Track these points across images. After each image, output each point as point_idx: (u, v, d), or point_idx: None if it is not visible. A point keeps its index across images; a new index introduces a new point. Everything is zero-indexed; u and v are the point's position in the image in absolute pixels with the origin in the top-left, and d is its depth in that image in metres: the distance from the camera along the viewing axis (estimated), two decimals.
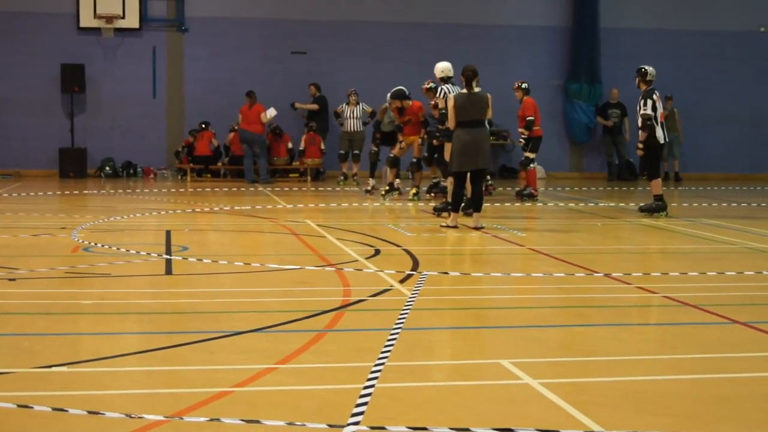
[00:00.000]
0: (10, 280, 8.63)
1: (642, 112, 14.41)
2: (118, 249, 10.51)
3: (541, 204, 16.84)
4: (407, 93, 17.09)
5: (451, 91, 14.15)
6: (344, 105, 21.77)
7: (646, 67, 14.76)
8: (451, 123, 12.88)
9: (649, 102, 14.41)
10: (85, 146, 22.52)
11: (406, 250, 10.65)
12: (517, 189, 18.10)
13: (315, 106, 22.34)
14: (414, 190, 16.96)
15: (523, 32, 24.67)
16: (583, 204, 17.11)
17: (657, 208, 14.57)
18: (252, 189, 19.91)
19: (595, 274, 9.19)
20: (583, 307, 7.94)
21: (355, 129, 21.66)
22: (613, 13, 24.86)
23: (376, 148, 18.50)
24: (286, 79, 23.35)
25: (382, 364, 5.75)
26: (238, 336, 6.55)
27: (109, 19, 22.99)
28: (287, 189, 20.10)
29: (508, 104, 19.36)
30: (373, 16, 24.13)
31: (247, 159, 21.52)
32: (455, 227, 12.67)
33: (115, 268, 9.39)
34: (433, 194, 17.13)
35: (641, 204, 15.14)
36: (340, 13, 23.98)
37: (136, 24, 23.24)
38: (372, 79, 23.40)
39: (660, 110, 14.47)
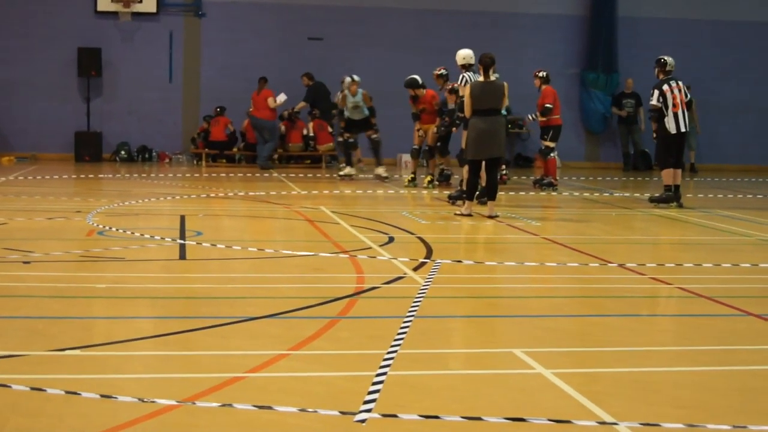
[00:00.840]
0: (25, 263, 8.67)
1: (650, 103, 14.56)
2: (132, 233, 10.52)
3: (555, 194, 16.80)
4: (420, 81, 17.08)
5: (471, 78, 14.10)
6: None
7: (666, 58, 14.77)
8: (467, 111, 12.86)
9: (656, 93, 14.48)
10: (100, 130, 22.55)
11: (420, 238, 10.64)
12: (535, 178, 18.08)
13: (303, 104, 22.04)
14: (428, 178, 16.98)
15: (540, 20, 24.60)
16: (597, 194, 17.06)
17: (667, 198, 14.55)
18: (267, 175, 19.91)
19: (610, 265, 9.17)
20: (597, 298, 7.92)
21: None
22: (630, 2, 24.75)
23: (347, 136, 18.73)
24: (302, 65, 23.28)
25: (395, 351, 5.75)
26: (252, 321, 6.56)
27: (127, 3, 22.99)
28: (302, 175, 20.10)
29: (525, 92, 19.33)
30: (391, 2, 24.08)
31: (258, 145, 21.54)
32: (469, 215, 12.68)
33: (129, 252, 9.42)
34: (437, 183, 17.12)
35: (654, 194, 15.10)
36: None
37: (153, 8, 23.25)
38: (389, 66, 23.39)
39: (673, 99, 14.42)
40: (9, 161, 21.76)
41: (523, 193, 16.85)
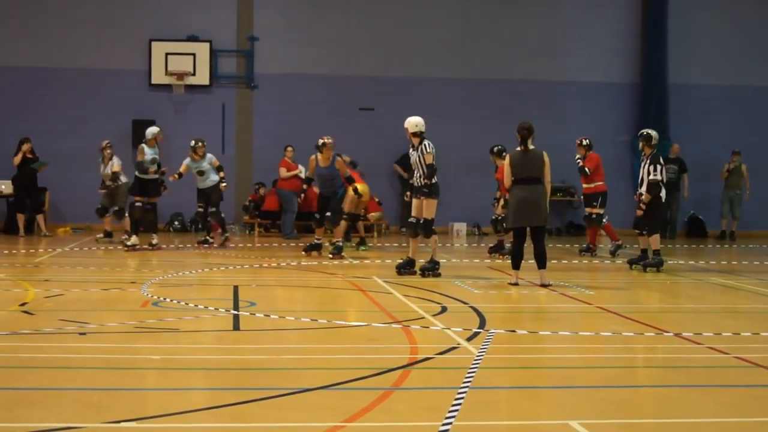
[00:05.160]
0: (81, 334, 8.74)
1: (651, 177, 14.82)
2: (186, 304, 10.60)
3: (608, 261, 16.69)
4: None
5: (429, 146, 13.96)
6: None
7: (651, 132, 15.07)
8: (506, 180, 12.94)
9: (658, 167, 14.85)
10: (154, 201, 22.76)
11: (473, 308, 10.61)
12: (583, 246, 18.02)
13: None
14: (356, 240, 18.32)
15: (588, 88, 24.66)
16: None
17: (659, 262, 14.91)
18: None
19: (665, 334, 9.08)
20: (653, 368, 7.84)
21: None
22: (681, 69, 24.77)
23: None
24: (352, 135, 23.52)
25: (450, 423, 5.71)
26: (305, 393, 6.54)
27: (180, 76, 23.41)
28: (354, 244, 20.09)
29: (573, 160, 19.32)
30: (438, 72, 24.28)
31: (281, 215, 21.67)
32: (516, 284, 12.68)
33: (183, 323, 9.47)
34: (308, 254, 16.91)
35: (647, 260, 15.17)
36: (405, 69, 24.17)
37: (206, 81, 23.65)
38: (439, 135, 23.49)
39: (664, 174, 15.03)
40: (65, 232, 22.06)
41: (575, 261, 16.76)
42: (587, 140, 17.39)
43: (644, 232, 15.15)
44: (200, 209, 18.72)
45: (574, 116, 24.14)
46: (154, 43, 23.44)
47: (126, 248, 17.57)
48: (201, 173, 18.46)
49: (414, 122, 14.05)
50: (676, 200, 23.68)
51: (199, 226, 20.61)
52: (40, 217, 21.48)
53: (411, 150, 14.10)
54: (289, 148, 21.83)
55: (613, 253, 17.37)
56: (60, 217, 22.93)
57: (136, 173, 17.93)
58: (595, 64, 24.80)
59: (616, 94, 24.82)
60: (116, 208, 19.77)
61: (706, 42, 25.07)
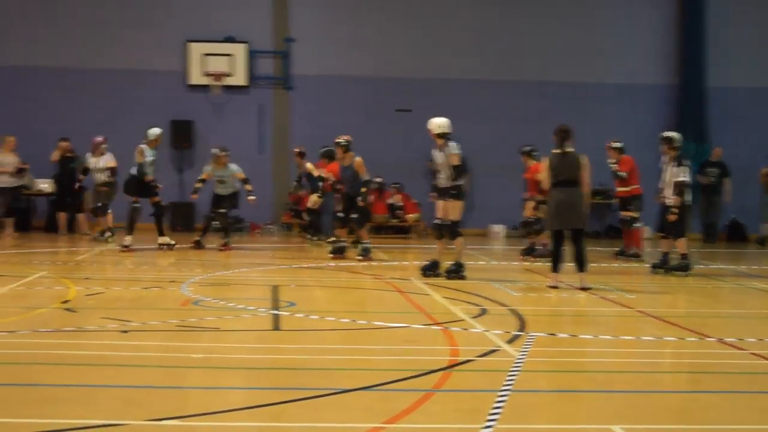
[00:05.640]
0: (123, 332, 8.79)
1: (679, 179, 14.65)
2: (226, 303, 10.64)
3: (647, 265, 16.58)
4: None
5: (456, 146, 13.88)
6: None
7: (672, 134, 14.93)
8: (544, 183, 12.90)
9: (686, 168, 14.74)
10: (193, 201, 22.88)
11: (513, 310, 10.57)
12: (618, 249, 17.93)
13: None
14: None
15: (626, 90, 24.54)
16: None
17: (685, 266, 14.78)
18: (356, 245, 19.95)
19: (708, 339, 9.00)
20: (695, 373, 7.77)
21: None
22: (720, 72, 24.57)
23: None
24: (388, 136, 23.56)
25: (491, 426, 5.69)
26: (345, 394, 6.54)
27: (218, 76, 23.52)
28: (391, 246, 20.15)
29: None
30: (475, 74, 24.25)
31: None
32: (555, 287, 12.62)
33: (223, 322, 9.50)
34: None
35: (660, 263, 15.13)
36: (441, 71, 24.15)
37: (243, 82, 23.74)
38: (475, 136, 23.49)
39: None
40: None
41: (616, 264, 16.66)
42: (618, 143, 17.25)
43: (668, 236, 15.03)
44: (213, 214, 18.41)
45: (610, 118, 24.00)
46: (191, 44, 23.55)
47: (121, 248, 17.17)
48: (221, 182, 18.31)
49: (437, 123, 13.95)
50: (718, 204, 23.47)
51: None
52: (80, 216, 21.63)
53: (435, 151, 14.00)
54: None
55: (625, 256, 17.24)
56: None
57: (133, 173, 17.55)
58: (631, 65, 24.66)
59: (654, 96, 24.67)
60: (99, 204, 19.60)
61: (746, 44, 24.87)
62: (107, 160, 19.57)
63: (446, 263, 13.91)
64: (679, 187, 14.66)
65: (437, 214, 14.08)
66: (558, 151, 12.80)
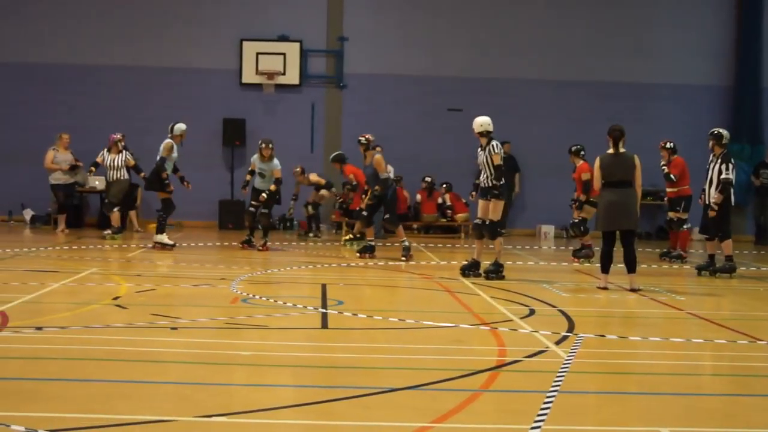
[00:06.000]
0: (173, 329, 8.88)
1: (724, 176, 14.57)
2: (275, 301, 10.70)
3: (692, 267, 16.41)
4: (345, 157, 18.26)
5: (498, 146, 13.83)
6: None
7: (722, 131, 14.76)
8: (596, 183, 12.82)
9: (730, 166, 14.65)
10: (244, 199, 23.01)
11: (561, 311, 10.53)
12: (663, 250, 17.80)
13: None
14: (348, 236, 18.86)
15: (681, 91, 24.31)
16: (744, 268, 16.59)
17: (730, 268, 14.67)
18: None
19: (759, 342, 8.91)
20: (746, 376, 7.70)
21: None
22: None
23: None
24: (440, 136, 23.55)
25: (539, 427, 5.68)
26: (394, 393, 6.56)
27: (271, 75, 23.64)
28: (440, 245, 20.15)
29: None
30: (527, 73, 24.15)
31: None
32: (605, 288, 12.56)
33: (272, 320, 9.56)
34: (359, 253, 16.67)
35: (704, 265, 15.06)
36: (494, 70, 24.08)
37: (296, 80, 23.84)
38: (527, 136, 23.48)
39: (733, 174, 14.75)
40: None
41: (665, 266, 16.53)
42: (671, 143, 17.09)
43: (714, 238, 14.89)
44: (252, 209, 17.97)
45: (664, 119, 23.81)
46: (245, 43, 23.69)
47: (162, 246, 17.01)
48: (261, 175, 17.93)
49: (480, 122, 13.92)
50: None
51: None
52: (132, 213, 21.86)
53: (479, 150, 13.98)
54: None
55: (669, 257, 17.14)
56: (152, 213, 23.24)
57: (154, 167, 17.41)
58: (686, 65, 24.43)
59: (709, 96, 24.41)
60: (107, 200, 19.61)
61: None
62: (125, 158, 19.70)
63: (486, 263, 13.89)
64: (723, 185, 14.52)
65: (478, 213, 14.07)
66: (611, 151, 12.72)
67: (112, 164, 19.66)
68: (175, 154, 17.44)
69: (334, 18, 24.12)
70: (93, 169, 19.79)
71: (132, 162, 19.74)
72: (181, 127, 17.54)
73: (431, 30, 24.14)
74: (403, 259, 16.13)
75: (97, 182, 22.21)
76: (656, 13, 24.59)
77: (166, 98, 23.45)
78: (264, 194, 17.64)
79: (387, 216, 16.56)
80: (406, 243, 16.44)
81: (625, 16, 24.47)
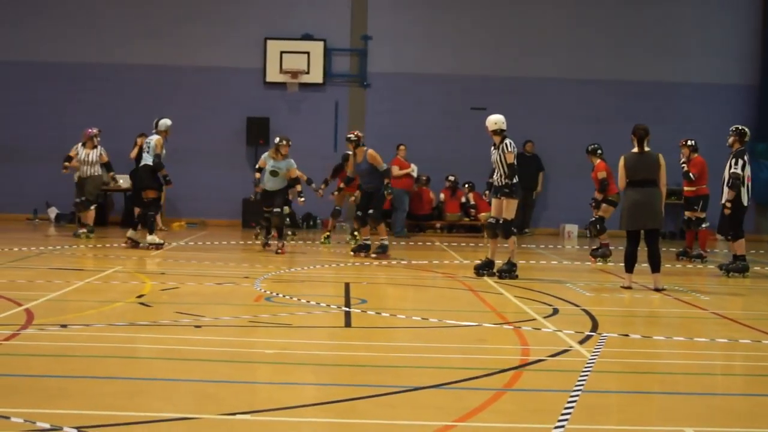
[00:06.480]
0: (196, 327, 8.90)
1: (732, 170, 14.47)
2: (298, 300, 10.72)
3: (711, 266, 16.35)
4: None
5: (511, 144, 13.76)
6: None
7: (744, 128, 14.71)
8: (621, 182, 12.77)
9: (740, 162, 14.50)
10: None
11: (585, 310, 10.51)
12: (680, 249, 17.73)
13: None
14: (326, 234, 19.28)
15: (706, 90, 24.22)
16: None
17: (743, 268, 14.56)
18: (429, 243, 20.02)
19: None
20: None
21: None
22: None
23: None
24: (463, 135, 23.53)
25: (562, 427, 5.67)
26: (417, 391, 6.56)
27: (294, 74, 23.69)
28: (464, 244, 20.14)
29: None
30: (551, 72, 24.13)
31: (392, 213, 21.64)
32: (629, 287, 12.53)
33: (295, 318, 9.58)
34: (374, 255, 16.41)
35: (727, 264, 14.92)
36: (517, 69, 24.06)
37: (320, 79, 23.88)
38: (550, 135, 23.42)
39: (748, 172, 14.56)
40: (179, 226, 22.50)
41: (690, 266, 16.46)
42: (692, 141, 17.01)
43: (725, 237, 14.82)
44: (267, 215, 17.13)
45: (689, 118, 23.71)
46: (269, 42, 23.75)
47: (148, 246, 16.76)
48: (274, 173, 16.94)
49: (493, 120, 13.86)
50: None
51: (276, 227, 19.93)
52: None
53: (492, 149, 13.93)
54: (402, 147, 21.96)
55: (686, 256, 17.07)
56: (175, 211, 23.40)
57: (147, 162, 16.93)
58: (711, 65, 24.33)
59: (733, 96, 24.30)
60: (83, 198, 19.08)
61: None
62: (99, 154, 19.19)
63: (500, 262, 13.87)
64: (732, 180, 14.41)
65: (492, 212, 14.03)
66: (636, 150, 12.68)
67: (86, 159, 19.11)
68: (163, 151, 17.10)
69: (358, 17, 24.15)
70: (66, 164, 19.21)
71: (106, 158, 19.25)
72: (166, 122, 17.19)
73: (455, 29, 24.14)
74: (374, 255, 16.08)
75: (122, 180, 22.28)
76: (680, 11, 24.50)
77: (191, 97, 23.55)
78: (287, 207, 17.22)
79: (372, 211, 16.43)
80: (385, 242, 16.35)
81: (648, 14, 24.40)
